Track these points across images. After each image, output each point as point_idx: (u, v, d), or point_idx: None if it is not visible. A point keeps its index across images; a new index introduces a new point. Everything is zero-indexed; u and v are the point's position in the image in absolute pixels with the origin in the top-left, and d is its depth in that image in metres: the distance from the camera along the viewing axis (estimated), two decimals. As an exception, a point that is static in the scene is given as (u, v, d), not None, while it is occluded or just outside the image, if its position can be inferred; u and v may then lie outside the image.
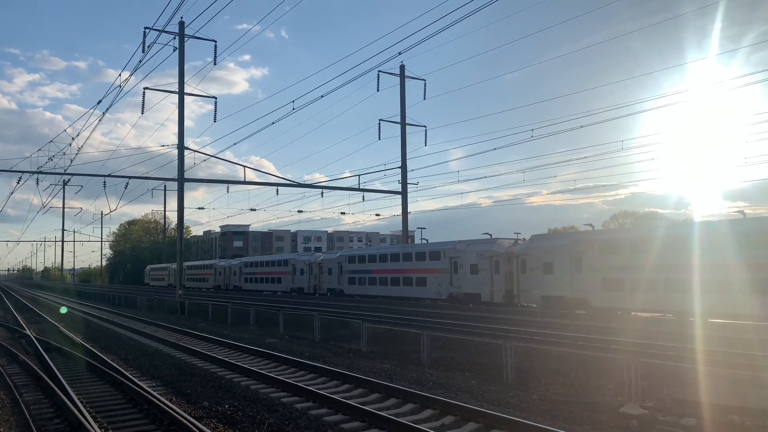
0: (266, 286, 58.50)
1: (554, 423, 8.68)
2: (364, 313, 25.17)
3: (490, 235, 33.60)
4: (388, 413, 9.06)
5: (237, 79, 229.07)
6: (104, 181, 38.66)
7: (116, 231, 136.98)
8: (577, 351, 13.34)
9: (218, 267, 71.20)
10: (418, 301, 35.94)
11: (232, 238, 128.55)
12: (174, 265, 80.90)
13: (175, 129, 38.11)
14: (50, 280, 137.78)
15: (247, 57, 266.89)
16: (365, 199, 46.45)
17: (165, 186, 75.15)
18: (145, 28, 34.25)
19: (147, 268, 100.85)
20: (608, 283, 24.86)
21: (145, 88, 37.54)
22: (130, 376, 11.86)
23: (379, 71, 42.23)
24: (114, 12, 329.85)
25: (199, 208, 75.61)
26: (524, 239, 32.00)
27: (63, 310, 21.95)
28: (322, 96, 36.72)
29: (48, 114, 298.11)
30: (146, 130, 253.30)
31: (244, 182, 42.12)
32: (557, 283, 27.24)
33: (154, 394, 10.09)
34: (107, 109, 36.64)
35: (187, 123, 37.68)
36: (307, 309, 27.13)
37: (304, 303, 35.01)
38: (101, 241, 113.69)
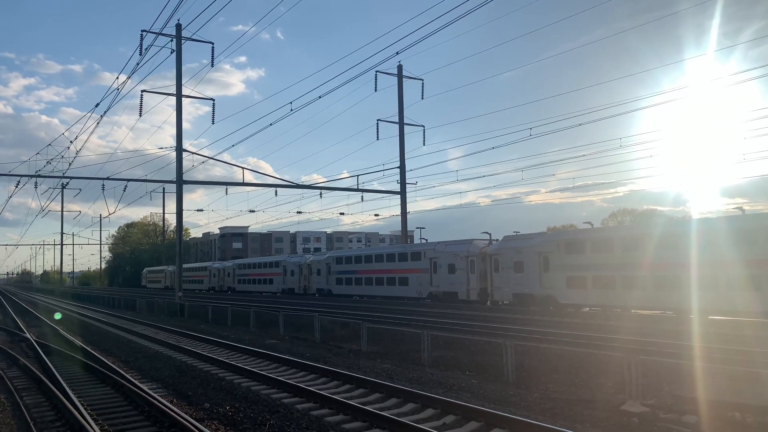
0: (258, 287, 59.67)
1: (555, 421, 8.69)
2: (362, 313, 25.19)
3: (489, 235, 33.81)
4: (389, 413, 9.07)
5: (233, 80, 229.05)
6: (102, 184, 38.70)
7: (115, 234, 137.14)
8: (576, 349, 13.36)
9: (212, 269, 72.55)
10: (408, 300, 36.56)
11: (231, 239, 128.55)
12: (170, 267, 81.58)
13: (172, 131, 38.13)
14: (50, 284, 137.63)
15: (243, 58, 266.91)
16: (364, 199, 46.56)
17: (164, 188, 75.28)
18: (143, 30, 34.29)
19: (144, 270, 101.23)
20: (572, 281, 26.40)
21: (142, 91, 37.60)
22: (131, 378, 11.86)
23: (376, 71, 42.34)
24: (108, 15, 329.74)
25: (198, 210, 75.59)
26: (497, 239, 33.19)
27: (57, 315, 21.98)
28: (320, 97, 36.69)
29: (44, 118, 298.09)
30: (143, 132, 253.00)
31: (243, 184, 42.17)
32: (527, 281, 28.73)
33: (155, 396, 10.09)
34: (105, 112, 36.76)
35: (184, 125, 37.67)
36: (306, 310, 27.14)
37: (301, 303, 35.02)
38: (100, 243, 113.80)
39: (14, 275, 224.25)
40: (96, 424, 8.45)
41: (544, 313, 25.03)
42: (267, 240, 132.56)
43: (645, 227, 28.04)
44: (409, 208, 46.46)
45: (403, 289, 38.21)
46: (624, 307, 24.60)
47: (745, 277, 20.21)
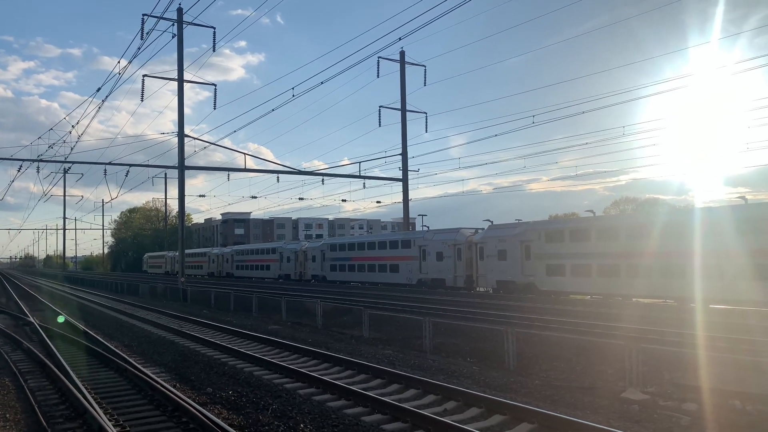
0: (256, 273, 60.52)
1: (556, 408, 8.74)
2: (362, 299, 25.29)
3: (491, 222, 33.85)
4: (390, 398, 9.13)
5: (233, 65, 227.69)
6: (105, 169, 38.69)
7: (117, 219, 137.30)
8: (577, 337, 13.40)
9: (212, 255, 73.53)
10: (402, 287, 37.27)
11: (234, 225, 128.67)
12: (171, 253, 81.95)
13: (173, 116, 38.28)
14: (52, 268, 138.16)
15: (243, 43, 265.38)
16: (366, 186, 46.60)
17: (165, 174, 75.15)
18: (144, 15, 34.10)
19: (145, 255, 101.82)
20: (552, 269, 27.30)
21: (144, 76, 37.50)
22: (134, 363, 11.94)
23: (378, 57, 42.11)
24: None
25: (200, 196, 75.74)
26: (483, 229, 33.96)
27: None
28: (321, 83, 36.46)
29: (44, 102, 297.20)
30: (143, 117, 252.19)
31: (245, 170, 42.11)
32: (509, 269, 29.65)
33: (158, 380, 10.16)
34: (106, 96, 36.66)
35: (184, 111, 37.55)
36: (307, 296, 27.24)
37: (301, 289, 35.14)
38: (102, 228, 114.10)
39: (17, 260, 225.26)
40: (100, 408, 8.51)
41: (545, 301, 25.11)
42: (269, 226, 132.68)
43: (621, 218, 29.90)
44: (411, 195, 46.53)
45: (394, 276, 39.25)
46: (600, 294, 25.59)
47: (732, 265, 20.64)
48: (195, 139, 39.80)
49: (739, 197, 23.36)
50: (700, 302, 20.94)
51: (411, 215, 48.97)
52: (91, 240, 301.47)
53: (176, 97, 37.57)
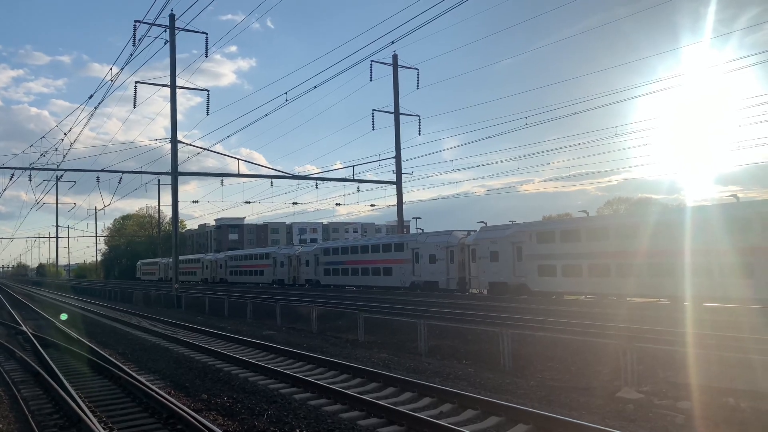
0: (250, 278, 60.63)
1: (551, 408, 8.75)
2: (358, 303, 25.25)
3: (485, 224, 33.92)
4: (386, 402, 9.12)
5: (224, 70, 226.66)
6: (97, 177, 38.46)
7: (111, 226, 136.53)
8: (572, 337, 13.42)
9: (205, 261, 73.56)
10: (388, 290, 37.47)
11: (227, 231, 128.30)
12: (164, 260, 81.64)
13: (164, 123, 38.25)
14: (45, 277, 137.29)
15: (233, 48, 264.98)
16: (360, 189, 46.57)
17: (159, 180, 74.97)
18: (136, 21, 34.03)
19: (138, 262, 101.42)
20: (543, 270, 27.52)
21: (137, 82, 37.42)
22: (128, 370, 11.87)
23: (371, 61, 42.11)
24: (95, 5, 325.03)
25: (193, 202, 75.62)
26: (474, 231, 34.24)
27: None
28: (315, 87, 36.59)
29: (34, 110, 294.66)
30: (134, 124, 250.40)
31: (238, 175, 42.04)
32: (501, 270, 29.87)
33: (153, 387, 10.10)
34: (98, 104, 36.42)
35: (177, 116, 37.48)
36: (302, 300, 27.18)
37: (295, 294, 35.07)
38: (96, 236, 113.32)
39: (9, 268, 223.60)
40: (94, 416, 8.46)
41: (539, 302, 25.16)
42: (263, 231, 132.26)
43: (611, 218, 30.89)
44: (405, 198, 46.54)
45: (387, 279, 39.30)
46: (591, 294, 25.89)
47: (692, 264, 21.19)
48: (188, 145, 39.81)
49: (731, 195, 23.52)
50: (692, 301, 21.06)
51: (405, 218, 49.04)
52: (84, 248, 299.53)
53: (167, 104, 37.54)
